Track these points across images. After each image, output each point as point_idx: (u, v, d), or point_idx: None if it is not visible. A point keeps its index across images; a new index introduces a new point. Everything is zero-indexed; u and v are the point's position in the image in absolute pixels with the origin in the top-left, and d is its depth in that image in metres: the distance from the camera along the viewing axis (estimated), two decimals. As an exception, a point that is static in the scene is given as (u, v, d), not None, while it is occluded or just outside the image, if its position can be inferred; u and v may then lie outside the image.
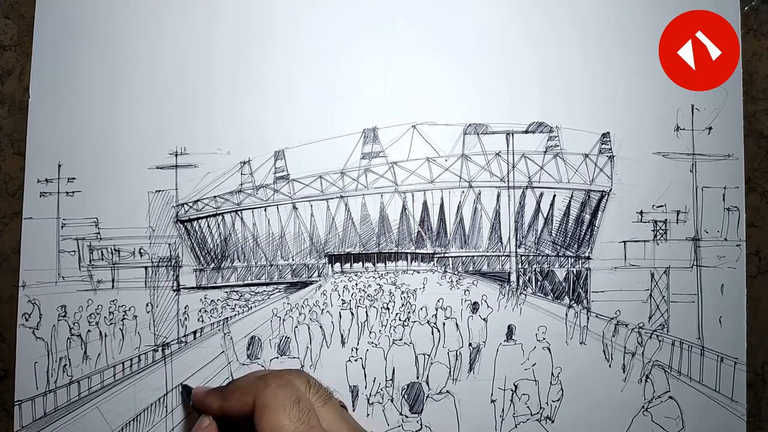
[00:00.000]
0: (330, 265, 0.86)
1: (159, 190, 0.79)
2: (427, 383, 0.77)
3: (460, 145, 0.81)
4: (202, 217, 0.85)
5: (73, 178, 0.78)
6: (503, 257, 0.85)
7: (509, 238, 0.83)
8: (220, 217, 0.87)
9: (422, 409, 0.76)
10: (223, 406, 0.56)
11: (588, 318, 0.81)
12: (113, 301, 0.79)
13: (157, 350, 0.78)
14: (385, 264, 0.89)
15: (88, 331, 0.78)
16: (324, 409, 0.54)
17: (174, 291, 0.80)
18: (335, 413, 0.55)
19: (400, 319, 0.81)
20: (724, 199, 0.79)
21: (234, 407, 0.54)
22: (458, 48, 0.81)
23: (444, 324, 0.81)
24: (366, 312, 0.82)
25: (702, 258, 0.80)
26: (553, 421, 0.78)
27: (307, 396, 0.53)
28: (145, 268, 0.79)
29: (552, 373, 0.78)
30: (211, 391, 0.61)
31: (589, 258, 0.81)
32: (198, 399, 0.61)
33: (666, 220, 0.80)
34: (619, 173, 0.80)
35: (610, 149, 0.80)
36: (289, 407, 0.50)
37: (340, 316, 0.82)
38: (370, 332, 0.80)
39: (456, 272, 0.86)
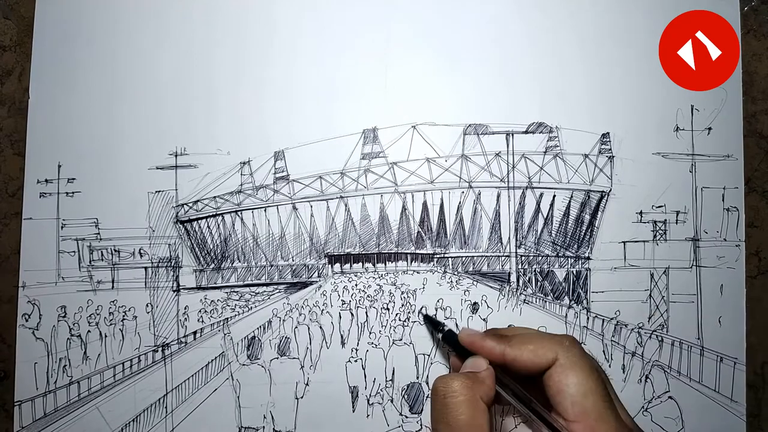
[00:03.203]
0: (330, 266, 0.86)
1: (159, 191, 0.79)
2: (427, 383, 0.77)
3: (460, 145, 0.81)
4: (202, 218, 0.84)
5: (73, 179, 0.78)
6: (503, 257, 0.85)
7: (509, 238, 0.83)
8: (220, 218, 0.87)
9: (422, 410, 0.76)
10: (509, 354, 0.53)
11: (588, 318, 0.81)
12: (113, 301, 0.78)
13: (157, 351, 0.78)
14: (385, 264, 0.89)
15: (88, 331, 0.78)
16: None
17: (174, 291, 0.80)
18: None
19: (399, 320, 0.81)
20: (723, 200, 0.79)
21: (523, 357, 0.52)
22: (458, 48, 0.81)
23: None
24: (366, 312, 0.82)
25: (701, 258, 0.80)
26: (552, 422, 0.77)
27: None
28: (145, 268, 0.79)
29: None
30: (489, 335, 0.56)
31: (588, 258, 0.81)
32: (472, 340, 0.57)
33: (665, 220, 0.80)
34: (618, 173, 0.80)
35: (610, 149, 0.80)
36: (593, 374, 0.49)
37: (340, 317, 0.82)
38: (370, 333, 0.80)
39: (456, 272, 0.86)
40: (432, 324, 0.72)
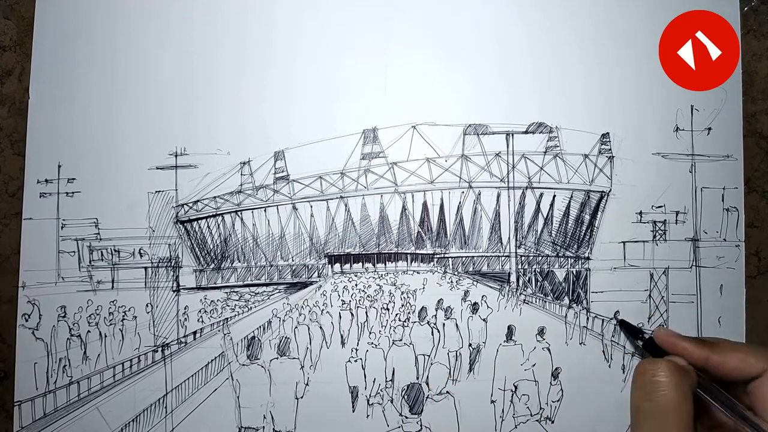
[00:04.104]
0: (330, 266, 0.86)
1: (159, 191, 0.79)
2: (427, 384, 0.77)
3: (460, 145, 0.81)
4: (202, 218, 0.84)
5: (73, 179, 0.78)
6: (503, 258, 0.85)
7: (509, 238, 0.83)
8: (220, 218, 0.87)
9: (422, 410, 0.76)
10: (714, 359, 0.52)
11: (588, 318, 0.81)
12: (113, 301, 0.78)
13: (157, 351, 0.78)
14: (385, 264, 0.89)
15: (88, 331, 0.78)
16: None
17: (174, 291, 0.80)
18: None
19: (399, 320, 0.81)
20: (723, 200, 0.79)
21: (729, 365, 0.51)
22: (458, 48, 0.81)
23: (444, 324, 0.81)
24: (366, 312, 0.82)
25: (701, 258, 0.80)
26: (553, 422, 0.78)
27: None
28: (145, 268, 0.79)
29: (552, 374, 0.78)
30: (690, 338, 0.56)
31: (588, 258, 0.81)
32: (673, 341, 0.56)
33: (665, 220, 0.80)
34: (618, 174, 0.80)
35: (610, 150, 0.80)
36: None
37: (340, 317, 0.82)
38: (370, 333, 0.80)
39: (456, 273, 0.86)
40: (629, 331, 0.70)
